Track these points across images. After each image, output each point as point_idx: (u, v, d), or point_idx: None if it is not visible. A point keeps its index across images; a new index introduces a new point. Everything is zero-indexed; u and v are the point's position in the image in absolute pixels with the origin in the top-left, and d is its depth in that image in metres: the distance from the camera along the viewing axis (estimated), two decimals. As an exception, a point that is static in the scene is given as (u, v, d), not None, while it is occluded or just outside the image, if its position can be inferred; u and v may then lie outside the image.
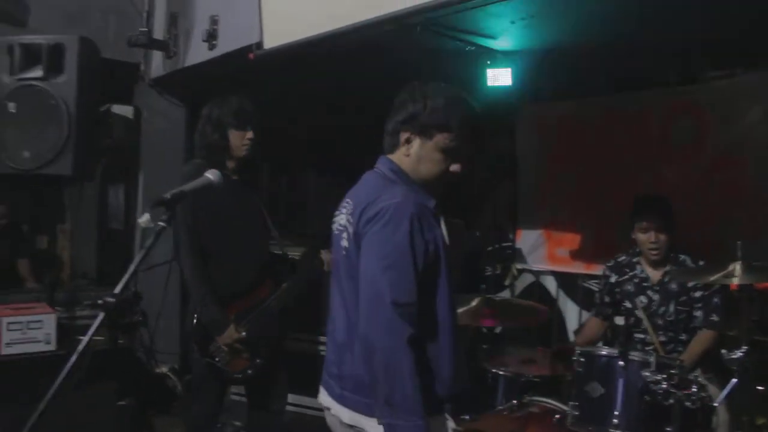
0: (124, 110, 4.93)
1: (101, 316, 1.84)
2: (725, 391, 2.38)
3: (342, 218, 2.04)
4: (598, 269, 4.13)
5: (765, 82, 3.58)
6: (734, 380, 2.32)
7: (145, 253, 1.94)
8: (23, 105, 3.88)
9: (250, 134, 2.99)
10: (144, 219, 1.96)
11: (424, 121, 1.95)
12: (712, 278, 2.45)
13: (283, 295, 3.07)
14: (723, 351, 2.40)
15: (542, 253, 4.40)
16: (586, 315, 4.20)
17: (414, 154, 1.98)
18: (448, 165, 1.98)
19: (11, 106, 3.88)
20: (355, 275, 1.90)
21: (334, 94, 4.13)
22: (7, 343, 3.43)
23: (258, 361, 2.98)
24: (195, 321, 2.95)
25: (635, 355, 2.53)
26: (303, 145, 4.90)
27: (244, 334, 2.92)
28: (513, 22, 2.92)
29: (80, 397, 3.24)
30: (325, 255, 3.31)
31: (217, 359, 2.92)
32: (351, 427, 1.96)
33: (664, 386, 2.36)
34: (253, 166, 3.14)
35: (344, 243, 1.98)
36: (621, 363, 2.49)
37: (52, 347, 3.55)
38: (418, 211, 1.85)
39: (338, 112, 4.56)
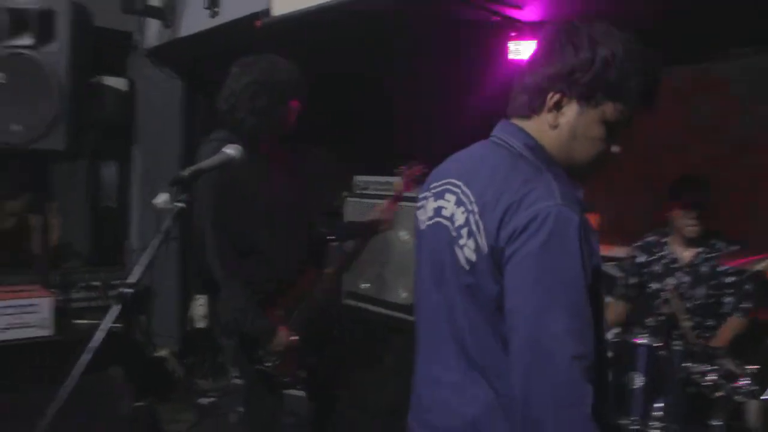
0: (116, 82, 4.69)
1: (117, 308, 1.66)
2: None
3: (450, 209, 1.42)
4: (614, 251, 4.01)
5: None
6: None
7: (163, 238, 1.76)
8: (12, 75, 3.66)
9: (299, 106, 2.63)
10: (161, 200, 1.77)
11: (590, 80, 1.34)
12: (762, 265, 2.32)
13: (329, 282, 2.78)
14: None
15: (557, 233, 4.25)
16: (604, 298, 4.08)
17: (566, 125, 1.37)
18: (609, 145, 1.39)
19: (-1, 77, 3.66)
20: (489, 303, 1.32)
21: (346, 68, 3.93)
22: (2, 329, 3.25)
23: (309, 359, 2.67)
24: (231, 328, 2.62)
25: (677, 345, 2.41)
26: (307, 122, 4.67)
27: (295, 338, 2.57)
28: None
29: (84, 385, 3.11)
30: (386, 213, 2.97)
31: (267, 365, 2.56)
32: None
33: (713, 378, 2.24)
34: (292, 142, 2.76)
35: (467, 254, 1.35)
36: (663, 353, 2.37)
37: (48, 332, 3.37)
38: (581, 214, 1.27)
39: (350, 87, 4.35)
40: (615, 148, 1.40)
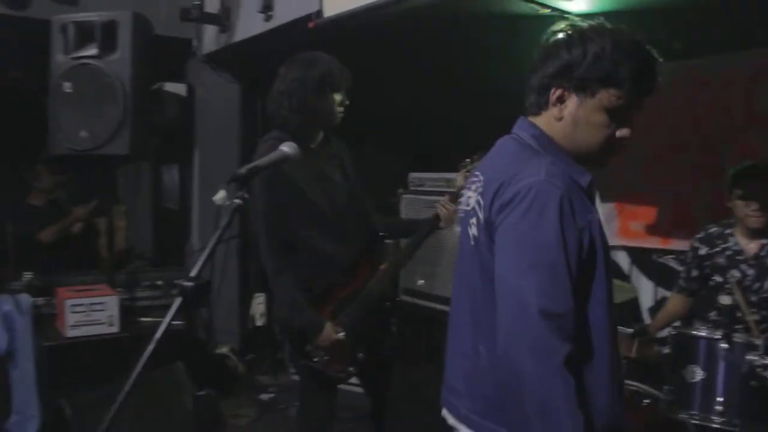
0: (176, 88, 4.83)
1: (178, 300, 1.74)
2: None
3: (471, 198, 1.62)
4: (674, 244, 3.93)
5: None
6: None
7: (221, 233, 1.82)
8: (78, 84, 3.84)
9: (344, 98, 2.63)
10: (219, 196, 1.85)
11: (583, 72, 1.49)
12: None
13: (384, 278, 2.73)
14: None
15: (614, 227, 4.16)
16: (661, 292, 3.99)
17: (569, 116, 1.52)
18: (613, 130, 1.52)
19: (67, 86, 3.84)
20: (487, 273, 1.50)
21: (397, 66, 3.95)
22: (72, 326, 3.41)
23: (360, 355, 2.66)
24: (284, 324, 2.68)
25: (739, 337, 2.34)
26: (362, 120, 4.69)
27: (342, 334, 2.57)
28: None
29: (149, 381, 3.24)
30: (443, 209, 2.79)
31: (315, 359, 2.57)
32: None
33: (776, 371, 2.17)
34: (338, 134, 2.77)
35: (473, 231, 1.56)
36: (724, 345, 2.31)
37: (115, 329, 3.52)
38: (567, 190, 1.43)
39: (401, 84, 4.37)
40: (621, 132, 1.53)
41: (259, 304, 4.55)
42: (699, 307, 3.35)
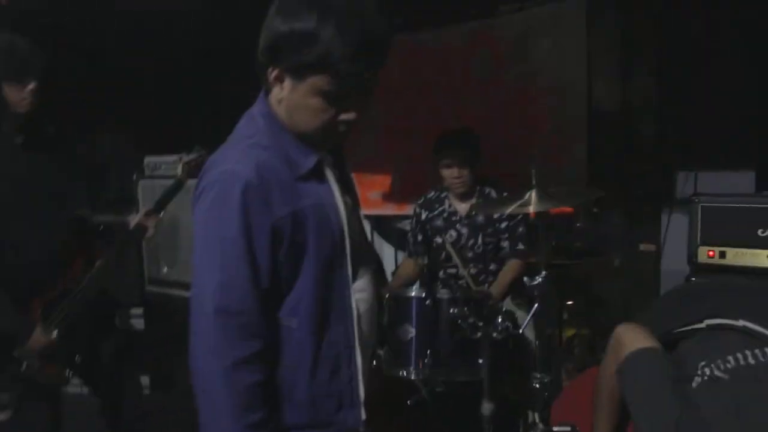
0: None
1: None
2: (528, 317, 2.43)
3: None
4: (409, 209, 4.16)
5: (553, 16, 3.69)
6: (536, 305, 2.36)
7: None
8: None
9: (31, 86, 2.38)
10: None
11: (289, 55, 1.29)
12: (511, 208, 2.46)
13: (99, 274, 2.55)
14: (525, 279, 2.44)
15: (355, 198, 4.31)
16: (402, 256, 4.21)
17: (286, 100, 1.36)
18: (335, 114, 1.35)
19: None
20: None
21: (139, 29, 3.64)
22: None
23: (77, 358, 2.52)
24: None
25: (443, 293, 2.52)
26: (101, 97, 4.23)
27: (55, 334, 2.41)
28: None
29: None
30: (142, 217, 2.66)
31: (25, 367, 2.40)
32: None
33: (471, 321, 2.37)
34: (43, 122, 2.56)
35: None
36: (428, 303, 2.47)
37: None
38: (259, 177, 1.31)
39: (147, 50, 4.03)
40: (345, 116, 1.35)
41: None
42: (432, 268, 3.56)
